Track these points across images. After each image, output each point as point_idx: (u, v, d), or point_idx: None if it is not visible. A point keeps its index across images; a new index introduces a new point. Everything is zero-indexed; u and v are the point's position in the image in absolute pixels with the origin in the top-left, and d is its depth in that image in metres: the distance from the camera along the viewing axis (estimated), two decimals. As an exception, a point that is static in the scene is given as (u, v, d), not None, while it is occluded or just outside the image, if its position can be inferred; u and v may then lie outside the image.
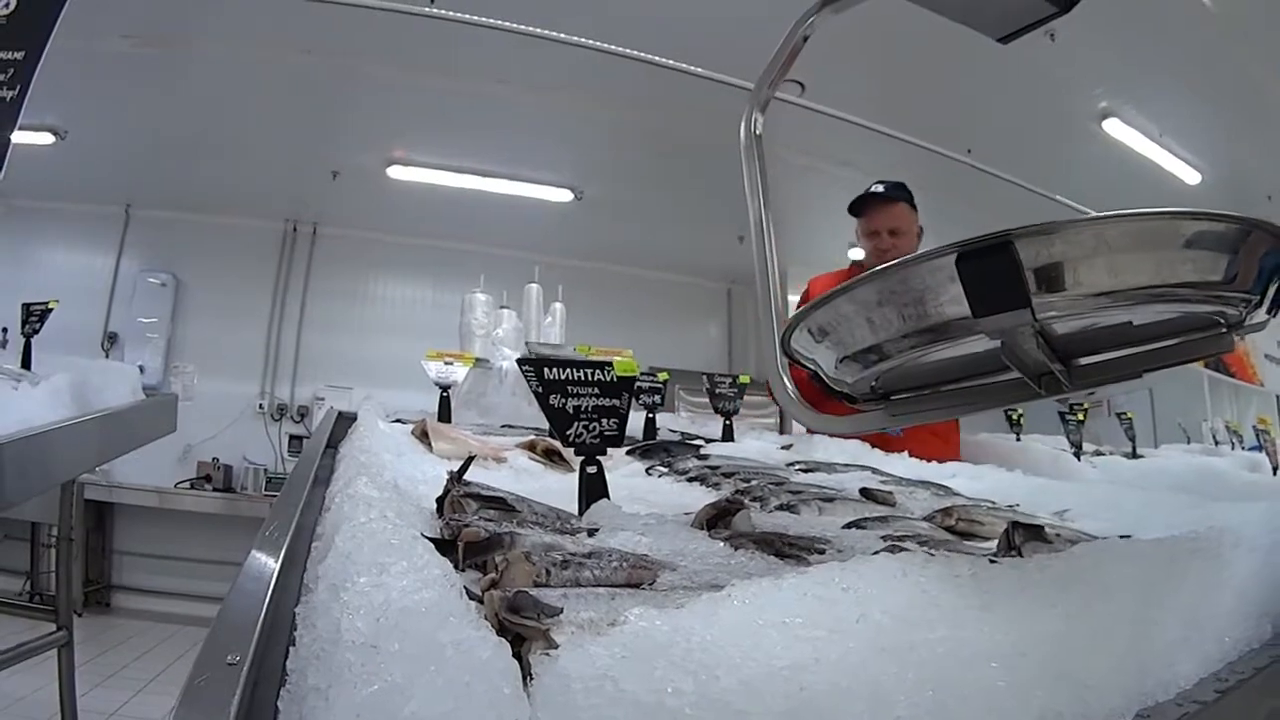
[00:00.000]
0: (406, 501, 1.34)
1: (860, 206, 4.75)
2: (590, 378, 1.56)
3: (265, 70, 7.71)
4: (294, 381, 11.62)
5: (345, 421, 3.75)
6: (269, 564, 1.36)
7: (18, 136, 5.21)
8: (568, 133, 8.67)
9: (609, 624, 0.71)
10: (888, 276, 0.90)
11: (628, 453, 2.84)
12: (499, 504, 1.29)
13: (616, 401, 1.56)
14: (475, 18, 6.00)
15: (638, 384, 3.46)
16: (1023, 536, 1.17)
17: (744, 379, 3.82)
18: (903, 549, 1.04)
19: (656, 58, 6.15)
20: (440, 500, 1.37)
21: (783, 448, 3.40)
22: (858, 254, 5.67)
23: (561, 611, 0.73)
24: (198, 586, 10.11)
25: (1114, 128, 7.41)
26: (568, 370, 1.55)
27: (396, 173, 9.75)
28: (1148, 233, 0.87)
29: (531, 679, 0.67)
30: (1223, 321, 0.97)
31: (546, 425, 3.27)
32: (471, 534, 1.04)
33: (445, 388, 4.10)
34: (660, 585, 0.88)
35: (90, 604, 9.01)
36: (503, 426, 3.78)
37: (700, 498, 2.04)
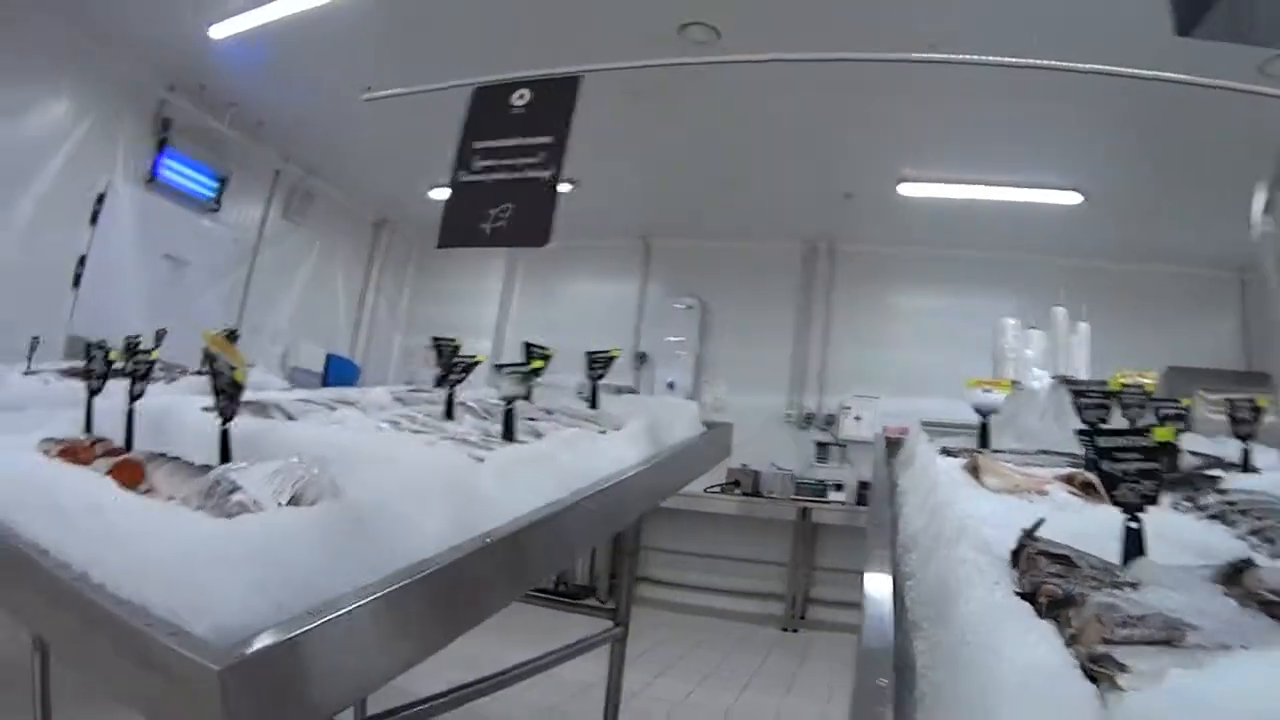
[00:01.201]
0: (989, 553, 1.72)
1: None
2: (1134, 444, 1.83)
3: (770, 111, 8.37)
4: (820, 392, 12.25)
5: (894, 445, 4.19)
6: (885, 598, 1.86)
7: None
8: (1072, 139, 8.73)
9: (1151, 676, 1.07)
10: None
11: (1157, 484, 2.98)
12: (1064, 560, 1.62)
13: (1157, 465, 1.83)
14: (971, 57, 6.23)
15: (1162, 411, 3.70)
16: None
17: (1262, 402, 3.72)
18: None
19: (1141, 71, 6.18)
20: (1015, 553, 1.72)
21: (1297, 471, 3.45)
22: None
23: (1129, 669, 1.09)
24: (714, 580, 11.20)
25: None
26: (1115, 439, 1.85)
27: (906, 190, 10.11)
28: None
29: (1105, 707, 1.05)
30: None
31: (1079, 451, 3.55)
32: (1050, 592, 1.42)
33: (985, 414, 4.18)
34: (1186, 643, 1.21)
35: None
36: (1039, 452, 3.84)
37: (1220, 539, 2.29)
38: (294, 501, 1.96)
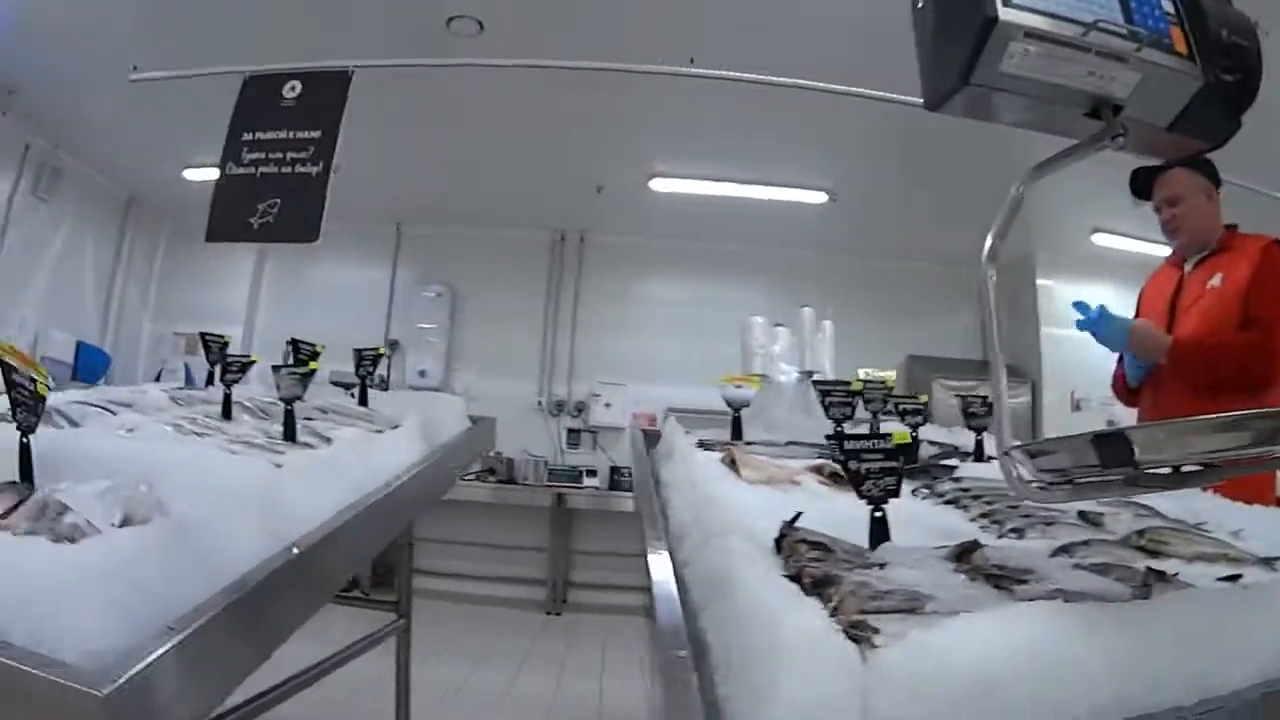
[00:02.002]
0: (756, 542, 1.97)
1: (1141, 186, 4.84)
2: (877, 447, 2.11)
3: (526, 102, 8.42)
4: (570, 379, 12.37)
5: (651, 438, 4.52)
6: (670, 583, 2.10)
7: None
8: (821, 141, 9.06)
9: (897, 636, 1.35)
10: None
11: (896, 474, 3.26)
12: (821, 547, 1.88)
13: (895, 463, 2.10)
14: (730, 74, 6.51)
15: (902, 406, 4.02)
16: (1153, 579, 1.73)
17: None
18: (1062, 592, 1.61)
19: (876, 92, 6.49)
20: (778, 541, 1.97)
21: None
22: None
23: (879, 631, 1.37)
24: (474, 567, 11.21)
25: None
26: (861, 442, 2.11)
27: (658, 185, 10.32)
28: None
29: (865, 660, 1.31)
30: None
31: (825, 441, 3.80)
32: (812, 573, 1.67)
33: (737, 409, 4.37)
34: (925, 610, 1.49)
35: (381, 585, 9.87)
36: (788, 444, 4.03)
37: (955, 522, 2.63)
38: (126, 521, 1.98)
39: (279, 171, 6.09)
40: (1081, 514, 2.57)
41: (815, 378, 5.11)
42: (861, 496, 2.12)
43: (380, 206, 11.79)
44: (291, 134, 6.16)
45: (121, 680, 1.52)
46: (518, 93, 8.16)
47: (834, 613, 1.50)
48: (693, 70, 6.54)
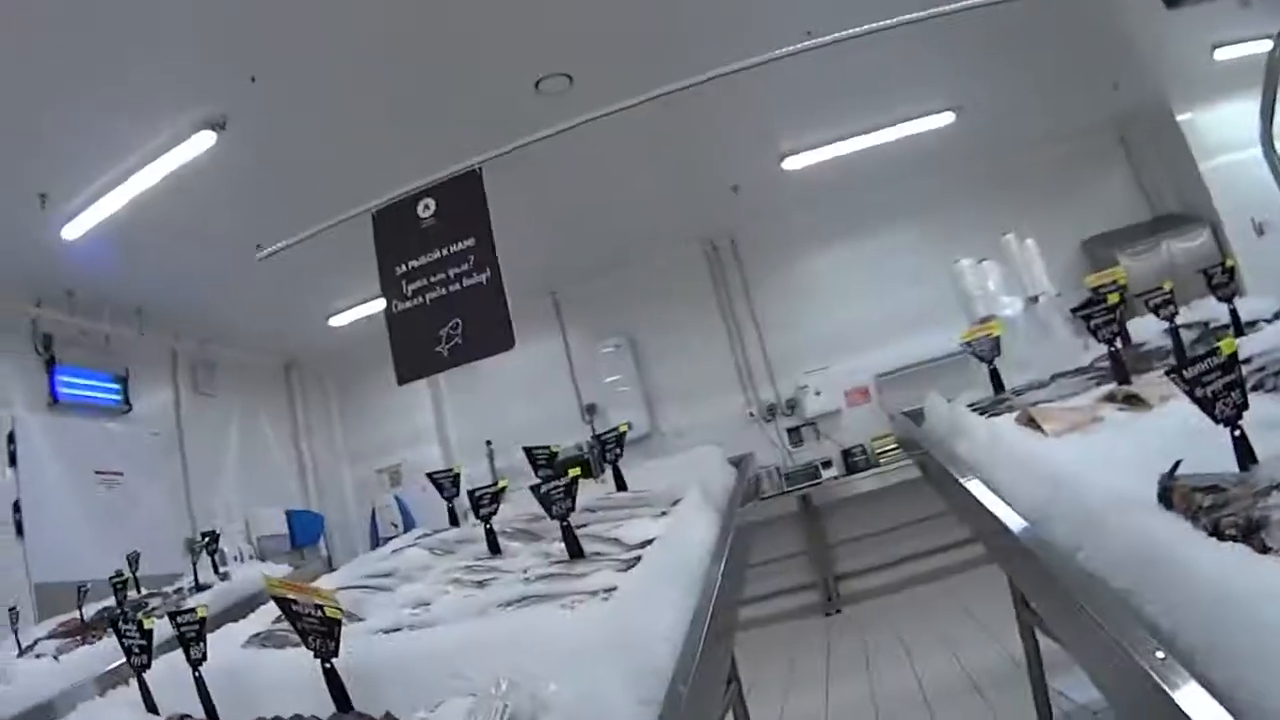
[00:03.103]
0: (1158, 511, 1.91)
1: None
2: (1213, 365, 2.01)
3: (637, 130, 8.14)
4: (772, 380, 12.33)
5: (915, 417, 4.49)
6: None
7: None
8: (935, 64, 8.94)
9: None
10: None
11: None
12: (1213, 489, 1.82)
13: (1235, 376, 2.01)
14: (837, 35, 6.36)
15: (1152, 301, 3.78)
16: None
17: (1232, 261, 3.87)
18: None
19: None
20: (1164, 496, 1.92)
21: None
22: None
23: None
24: (748, 590, 10.81)
25: None
26: (1197, 366, 2.02)
27: (790, 164, 10.33)
28: None
29: None
30: None
31: (1082, 361, 3.65)
32: (1234, 522, 1.65)
33: (990, 361, 4.16)
34: None
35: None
36: (1053, 379, 3.89)
37: (1271, 409, 2.42)
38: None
39: (447, 292, 5.97)
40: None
41: (1043, 301, 4.98)
42: (1216, 420, 2.01)
43: (528, 283, 11.88)
44: (444, 251, 6.04)
45: None
46: (627, 125, 7.93)
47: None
48: (800, 46, 6.29)
